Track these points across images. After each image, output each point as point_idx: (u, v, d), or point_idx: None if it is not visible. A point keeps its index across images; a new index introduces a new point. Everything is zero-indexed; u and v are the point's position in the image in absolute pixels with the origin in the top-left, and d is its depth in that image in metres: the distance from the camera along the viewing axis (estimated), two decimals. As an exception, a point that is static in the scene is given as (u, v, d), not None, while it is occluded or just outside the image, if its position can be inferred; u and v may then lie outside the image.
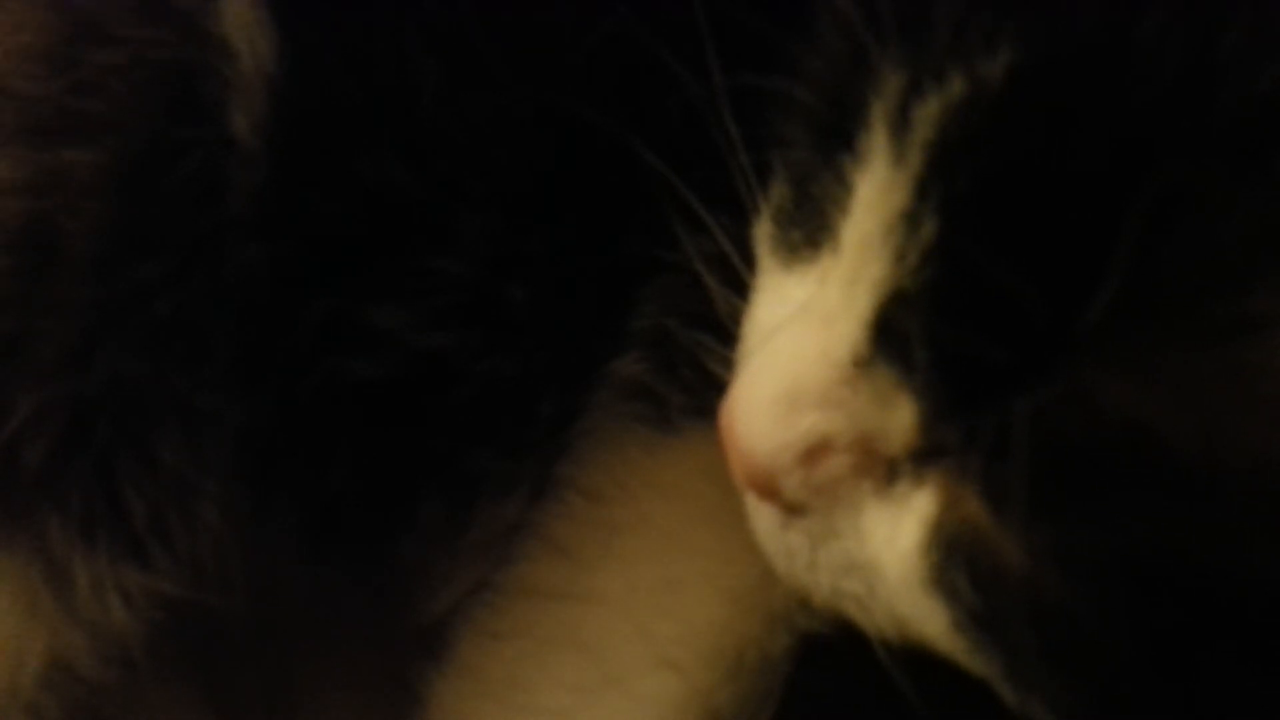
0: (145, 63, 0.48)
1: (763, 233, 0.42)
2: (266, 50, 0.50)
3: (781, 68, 0.42)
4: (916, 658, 0.38)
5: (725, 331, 0.44)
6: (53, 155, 0.47)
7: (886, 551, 0.37)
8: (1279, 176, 0.31)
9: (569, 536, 0.50)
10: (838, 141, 0.37)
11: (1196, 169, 0.31)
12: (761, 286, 0.41)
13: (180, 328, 0.49)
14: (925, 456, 0.35)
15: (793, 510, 0.38)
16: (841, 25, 0.38)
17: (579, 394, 0.51)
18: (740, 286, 0.43)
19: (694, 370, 0.48)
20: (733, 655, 0.48)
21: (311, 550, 0.54)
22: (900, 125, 0.35)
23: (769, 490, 0.37)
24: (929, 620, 0.36)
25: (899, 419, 0.35)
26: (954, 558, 0.35)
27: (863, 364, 0.35)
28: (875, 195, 0.35)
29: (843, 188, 0.37)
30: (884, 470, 0.36)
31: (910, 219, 0.34)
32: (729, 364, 0.42)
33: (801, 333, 0.37)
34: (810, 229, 0.39)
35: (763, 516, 0.40)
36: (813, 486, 0.37)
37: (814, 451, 0.36)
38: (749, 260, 0.43)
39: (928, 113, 0.34)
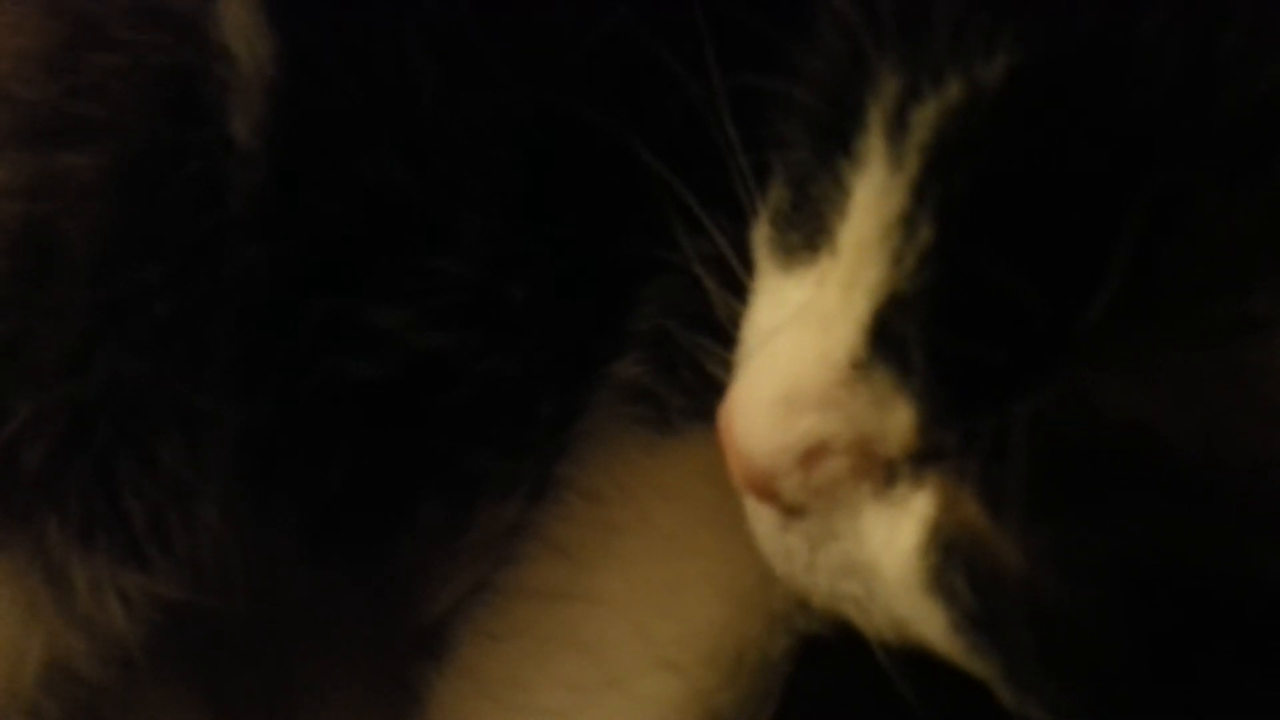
0: (144, 66, 0.49)
1: (761, 235, 0.42)
2: (265, 52, 0.50)
3: (781, 69, 0.42)
4: (915, 659, 0.38)
5: (725, 333, 0.44)
6: (52, 158, 0.47)
7: (885, 553, 0.37)
8: (1279, 177, 0.31)
9: (569, 537, 0.50)
10: (836, 144, 0.37)
11: (1196, 169, 0.31)
12: (760, 289, 0.41)
13: (180, 329, 0.49)
14: (924, 459, 0.35)
15: (792, 512, 0.38)
16: (840, 27, 0.38)
17: (579, 394, 0.51)
18: (739, 288, 0.43)
19: (693, 372, 0.48)
20: (732, 656, 0.48)
21: (311, 551, 0.54)
22: (897, 128, 0.35)
23: (768, 492, 0.37)
24: (927, 622, 0.36)
25: (897, 421, 0.35)
26: (952, 559, 0.35)
27: (861, 367, 0.35)
28: (872, 198, 0.35)
29: (840, 190, 0.37)
30: (883, 472, 0.36)
31: (907, 222, 0.34)
32: (728, 366, 0.42)
33: (800, 335, 0.37)
34: (808, 231, 0.39)
35: (762, 518, 0.40)
36: (811, 488, 0.37)
37: (812, 453, 0.36)
38: (748, 262, 0.43)
39: (925, 116, 0.34)
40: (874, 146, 0.35)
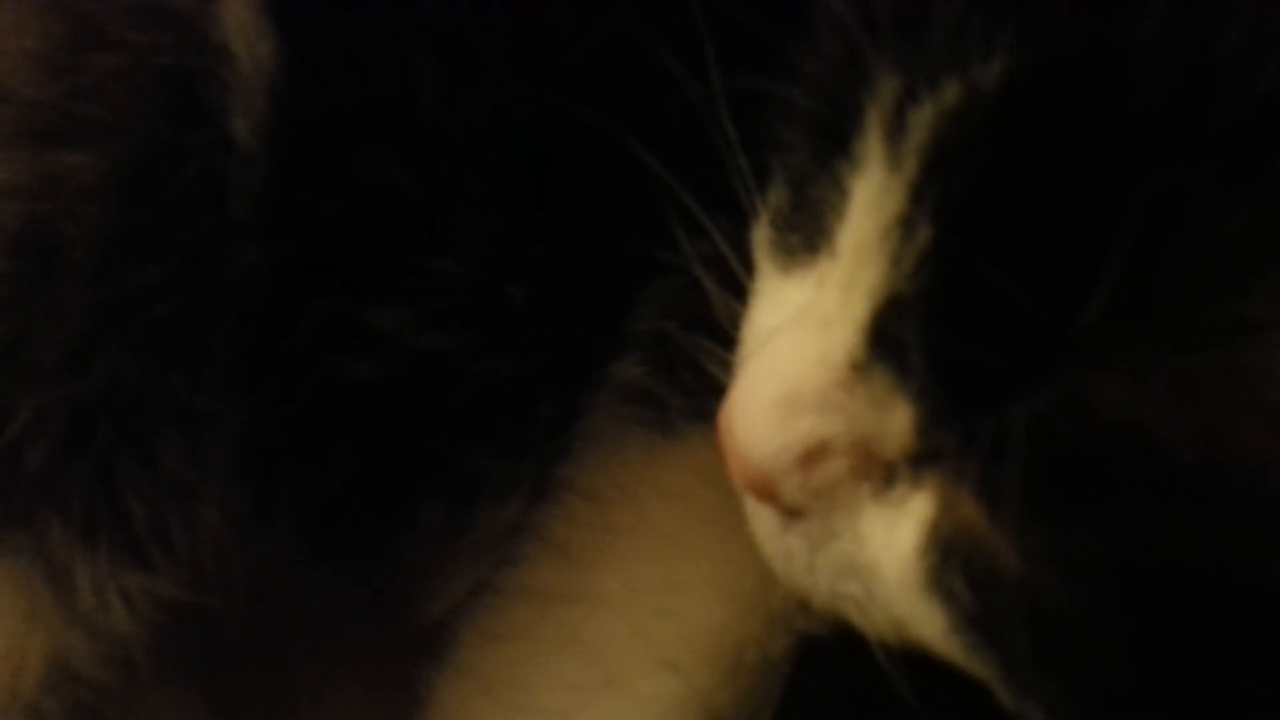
0: (145, 66, 0.49)
1: (761, 236, 0.42)
2: (265, 52, 0.50)
3: (781, 70, 0.42)
4: (915, 659, 0.38)
5: (725, 334, 0.44)
6: (53, 159, 0.47)
7: (884, 554, 0.37)
8: (1277, 178, 0.31)
9: (569, 538, 0.50)
10: (834, 145, 0.37)
11: (1195, 170, 0.31)
12: (760, 290, 0.41)
13: (180, 330, 0.49)
14: (922, 460, 0.35)
15: (791, 513, 0.38)
16: (838, 29, 0.38)
17: (579, 395, 0.51)
18: (739, 290, 0.43)
19: (693, 373, 0.48)
20: (732, 656, 0.48)
21: (311, 551, 0.54)
22: (895, 130, 0.35)
23: (768, 493, 0.38)
24: (926, 622, 0.36)
25: (896, 423, 0.35)
26: (951, 560, 0.35)
27: (860, 368, 0.35)
28: (871, 200, 0.35)
29: (839, 192, 0.37)
30: (882, 473, 0.36)
31: (906, 224, 0.34)
32: (728, 367, 0.42)
33: (799, 337, 0.37)
34: (808, 233, 0.39)
35: (762, 519, 0.40)
36: (811, 489, 0.37)
37: (812, 455, 0.36)
38: (747, 263, 0.43)
39: (923, 118, 0.34)
40: (872, 148, 0.35)
